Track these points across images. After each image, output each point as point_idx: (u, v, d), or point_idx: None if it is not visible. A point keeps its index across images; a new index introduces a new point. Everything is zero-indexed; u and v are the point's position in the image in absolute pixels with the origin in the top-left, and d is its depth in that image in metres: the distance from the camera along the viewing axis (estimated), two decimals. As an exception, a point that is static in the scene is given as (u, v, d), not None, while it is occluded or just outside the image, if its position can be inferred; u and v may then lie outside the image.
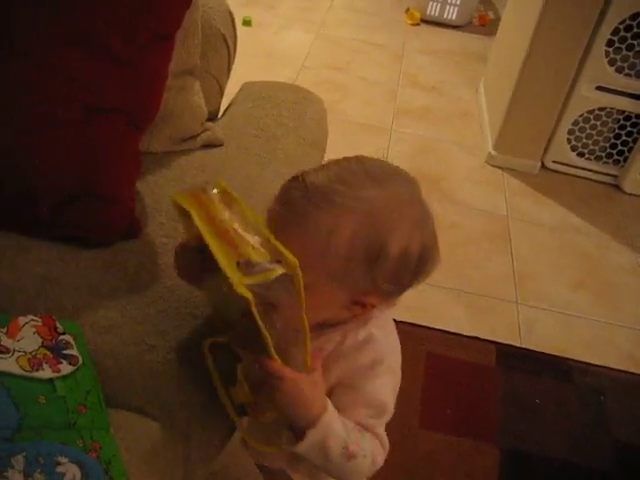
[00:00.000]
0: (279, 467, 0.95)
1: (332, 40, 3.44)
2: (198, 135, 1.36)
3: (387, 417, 0.82)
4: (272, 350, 0.71)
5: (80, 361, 0.85)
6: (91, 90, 1.07)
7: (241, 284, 0.65)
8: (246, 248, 0.69)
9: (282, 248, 0.69)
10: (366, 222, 0.72)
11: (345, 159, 0.78)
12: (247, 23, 3.32)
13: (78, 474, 0.70)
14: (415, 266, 0.77)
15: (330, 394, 0.80)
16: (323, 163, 0.79)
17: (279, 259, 0.68)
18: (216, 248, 0.69)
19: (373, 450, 0.79)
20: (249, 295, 0.66)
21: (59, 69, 1.06)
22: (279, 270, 0.67)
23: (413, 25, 3.75)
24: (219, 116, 1.56)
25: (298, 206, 0.73)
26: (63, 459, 0.71)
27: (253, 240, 0.70)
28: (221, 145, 1.39)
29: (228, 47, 1.51)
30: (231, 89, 1.63)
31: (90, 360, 0.87)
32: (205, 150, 1.37)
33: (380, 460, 0.81)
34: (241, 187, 1.28)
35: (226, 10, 1.53)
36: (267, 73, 2.93)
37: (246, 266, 0.67)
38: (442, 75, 3.32)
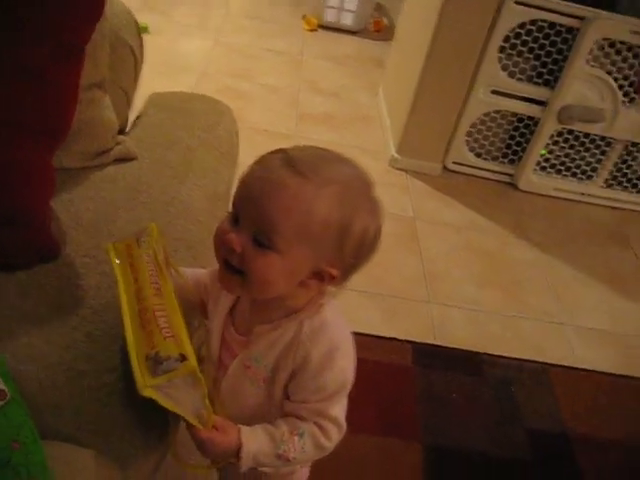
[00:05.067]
0: None
1: (231, 47, 3.42)
2: (111, 149, 1.32)
3: (344, 393, 0.88)
4: (191, 421, 0.80)
5: (8, 395, 0.80)
6: (0, 105, 1.02)
7: (146, 387, 0.76)
8: (158, 337, 0.80)
9: (187, 345, 0.80)
10: (342, 194, 0.78)
11: (308, 145, 0.86)
12: (144, 30, 3.24)
13: (19, 515, 0.67)
14: (369, 245, 0.83)
15: (292, 378, 0.86)
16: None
17: (184, 354, 0.78)
18: (130, 339, 0.82)
19: (317, 442, 0.86)
20: (154, 396, 0.77)
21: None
22: (182, 371, 0.77)
23: (311, 31, 3.79)
24: (127, 128, 1.52)
25: (283, 174, 0.77)
26: (2, 500, 0.67)
27: (166, 324, 0.82)
28: (134, 159, 1.36)
29: (135, 58, 1.48)
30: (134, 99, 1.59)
31: (18, 393, 0.83)
32: (119, 164, 1.32)
33: (327, 444, 0.87)
34: (159, 201, 1.25)
35: (132, 20, 1.50)
36: (167, 81, 2.87)
37: (154, 362, 0.78)
38: (341, 80, 3.37)
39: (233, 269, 0.80)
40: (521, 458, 1.67)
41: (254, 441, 0.84)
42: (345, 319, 0.90)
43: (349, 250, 0.80)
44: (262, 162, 0.81)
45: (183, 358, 0.78)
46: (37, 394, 0.89)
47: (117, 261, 0.92)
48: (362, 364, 1.79)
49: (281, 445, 0.84)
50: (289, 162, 0.78)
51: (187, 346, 0.80)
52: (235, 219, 0.80)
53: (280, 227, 0.76)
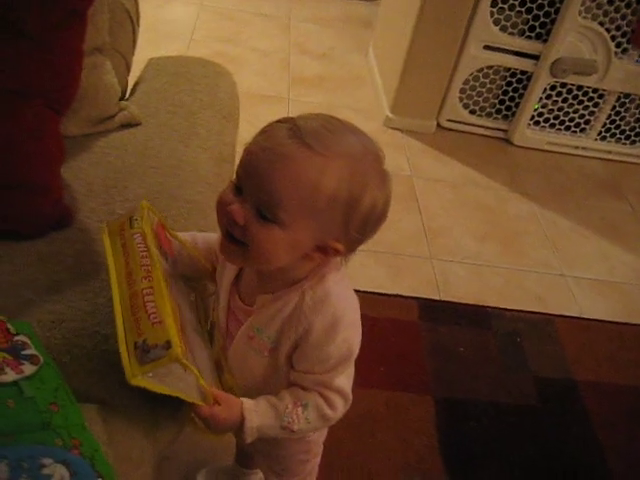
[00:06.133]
0: None
1: (217, 12, 3.36)
2: (115, 115, 1.31)
3: (349, 363, 0.86)
4: (190, 400, 0.80)
5: (42, 360, 0.81)
6: (7, 73, 1.01)
7: (134, 376, 0.76)
8: (145, 324, 0.79)
9: (173, 331, 0.78)
10: (351, 169, 0.75)
11: (316, 113, 0.80)
12: (128, -3, 3.19)
13: (66, 474, 0.68)
14: (376, 220, 0.80)
15: (295, 348, 0.85)
16: (293, 116, 0.79)
17: (170, 341, 0.77)
18: (120, 327, 0.81)
19: (321, 413, 0.85)
20: (143, 384, 0.76)
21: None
22: (167, 359, 0.76)
23: (296, -7, 3.74)
24: (127, 94, 1.51)
25: (290, 145, 0.74)
26: (47, 460, 0.68)
27: (154, 309, 0.81)
28: (139, 124, 1.35)
29: (133, 22, 1.46)
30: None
31: (50, 357, 0.83)
32: (124, 130, 1.32)
33: (332, 414, 0.86)
34: (168, 165, 1.25)
35: (127, -16, 1.46)
36: (156, 48, 2.81)
37: (142, 350, 0.77)
38: (330, 42, 3.33)
39: (235, 240, 0.78)
40: (530, 405, 1.70)
41: (257, 415, 0.84)
42: (351, 288, 0.88)
43: (355, 225, 0.78)
44: (268, 132, 0.77)
45: (169, 346, 0.77)
46: (65, 359, 0.90)
47: (108, 244, 0.91)
48: (368, 322, 1.82)
49: (285, 417, 0.84)
50: (296, 133, 0.74)
51: (173, 332, 0.78)
52: (239, 189, 0.77)
53: (285, 202, 0.74)
